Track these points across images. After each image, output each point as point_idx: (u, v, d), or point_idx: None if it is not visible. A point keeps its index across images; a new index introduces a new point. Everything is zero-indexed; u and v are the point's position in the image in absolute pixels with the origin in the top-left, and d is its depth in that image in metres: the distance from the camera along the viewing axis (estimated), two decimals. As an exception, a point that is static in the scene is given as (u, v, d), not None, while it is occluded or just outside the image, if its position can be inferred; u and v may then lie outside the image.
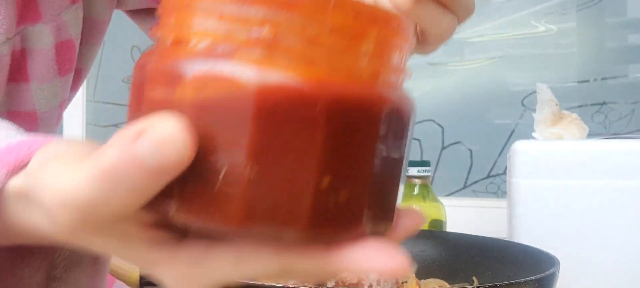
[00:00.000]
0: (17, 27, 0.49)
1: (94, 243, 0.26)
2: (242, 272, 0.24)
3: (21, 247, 0.29)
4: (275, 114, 0.19)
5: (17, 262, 0.30)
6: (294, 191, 0.20)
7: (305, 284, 0.47)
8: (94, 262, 0.34)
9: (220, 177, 0.20)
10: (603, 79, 1.16)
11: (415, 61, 1.31)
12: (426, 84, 1.32)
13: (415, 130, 1.24)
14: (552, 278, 0.45)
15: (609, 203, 0.71)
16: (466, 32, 1.28)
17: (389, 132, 0.22)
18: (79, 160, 0.23)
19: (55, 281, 0.33)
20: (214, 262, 0.24)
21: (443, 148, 1.28)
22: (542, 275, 0.44)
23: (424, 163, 0.84)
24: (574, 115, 0.82)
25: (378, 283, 0.46)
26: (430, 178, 0.86)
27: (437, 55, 1.30)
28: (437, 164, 1.28)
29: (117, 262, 0.51)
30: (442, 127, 1.29)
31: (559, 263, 0.47)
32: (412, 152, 1.04)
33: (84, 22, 0.56)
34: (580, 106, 1.17)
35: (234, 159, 0.19)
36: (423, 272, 0.61)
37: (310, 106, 0.19)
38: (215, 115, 0.20)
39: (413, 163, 0.84)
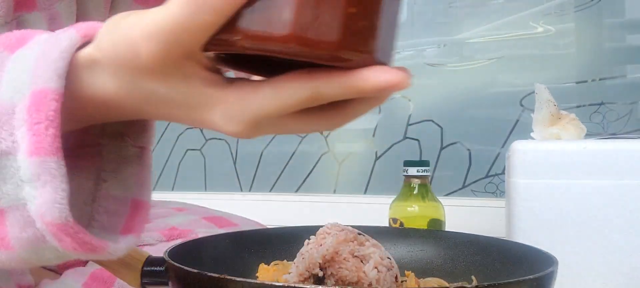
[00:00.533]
0: (14, 13, 0.50)
1: (162, 87, 0.30)
2: (280, 101, 0.29)
3: (72, 154, 0.32)
4: None
5: (69, 170, 0.32)
6: (329, 18, 0.26)
7: (306, 284, 0.48)
8: (138, 158, 0.38)
9: (276, 6, 0.26)
10: (601, 79, 1.17)
11: (414, 61, 1.31)
12: (425, 84, 1.33)
13: (415, 131, 1.25)
14: (550, 277, 0.45)
15: (606, 203, 0.71)
16: (465, 33, 1.28)
17: None
18: (146, 12, 0.29)
19: (105, 181, 0.37)
20: (256, 97, 0.29)
21: (442, 148, 1.28)
22: (541, 274, 0.44)
23: (423, 163, 0.84)
24: (572, 115, 0.83)
25: (378, 282, 0.47)
26: (429, 178, 0.86)
27: (437, 55, 1.30)
28: (436, 164, 1.28)
29: (118, 261, 0.51)
30: (441, 127, 1.29)
31: (557, 263, 0.48)
32: (411, 152, 1.05)
33: (77, 19, 0.57)
34: (578, 106, 1.17)
35: None
36: (422, 271, 0.61)
37: None
38: None
39: (412, 163, 0.84)
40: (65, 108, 0.31)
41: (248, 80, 0.31)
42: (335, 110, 0.32)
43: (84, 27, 0.32)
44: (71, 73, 0.31)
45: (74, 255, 0.34)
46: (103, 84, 0.32)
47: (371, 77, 0.28)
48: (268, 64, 0.31)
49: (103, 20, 0.32)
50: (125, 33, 0.30)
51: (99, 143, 0.38)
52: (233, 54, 0.31)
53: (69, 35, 0.32)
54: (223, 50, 0.29)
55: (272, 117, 0.30)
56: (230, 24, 0.27)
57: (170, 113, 0.32)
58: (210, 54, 0.30)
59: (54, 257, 0.34)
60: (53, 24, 0.54)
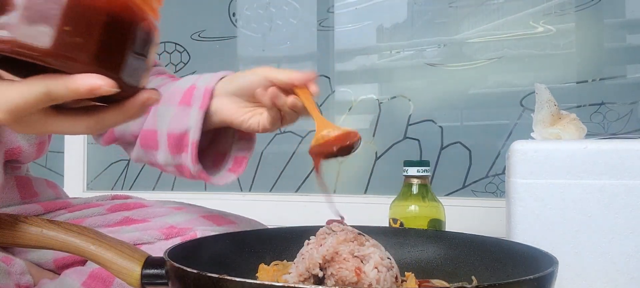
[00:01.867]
0: None
1: None
2: (25, 94, 0.38)
3: None
4: None
5: None
6: (45, 26, 0.35)
7: (306, 284, 0.47)
8: None
9: (6, 12, 0.35)
10: (601, 79, 1.17)
11: (414, 61, 1.31)
12: (425, 84, 1.32)
13: (415, 131, 1.24)
14: (550, 277, 0.45)
15: (607, 202, 0.71)
16: (465, 33, 1.28)
17: (115, 16, 0.38)
18: None
19: None
20: (10, 90, 0.38)
21: (442, 148, 1.28)
22: (541, 274, 0.44)
23: (423, 163, 0.84)
24: (573, 115, 0.83)
25: (377, 282, 0.47)
26: (430, 178, 0.86)
27: (437, 55, 1.30)
28: (436, 164, 1.28)
29: (118, 261, 0.51)
30: (441, 127, 1.29)
31: (557, 263, 0.47)
32: (411, 152, 1.04)
33: None
34: (578, 106, 1.17)
35: (16, 3, 0.35)
36: (422, 271, 0.61)
37: None
38: None
39: (412, 163, 0.84)
40: None
41: (11, 79, 0.39)
42: (90, 115, 0.41)
43: None
44: None
45: None
46: None
47: (80, 78, 0.37)
48: (29, 70, 0.38)
49: None
50: None
51: None
52: (1, 59, 0.39)
53: None
54: None
55: (25, 110, 0.39)
56: None
57: None
58: None
59: None
60: None
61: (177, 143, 0.69)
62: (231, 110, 0.67)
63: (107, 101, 0.41)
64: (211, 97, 0.67)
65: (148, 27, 0.40)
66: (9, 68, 0.40)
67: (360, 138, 0.55)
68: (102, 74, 0.37)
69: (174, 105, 0.69)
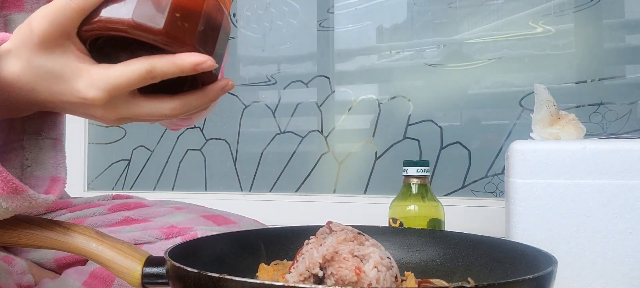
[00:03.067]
0: (0, 11, 0.56)
1: (47, 60, 0.42)
2: (128, 73, 0.42)
3: (2, 150, 0.45)
4: None
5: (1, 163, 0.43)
6: (160, 9, 0.41)
7: (306, 283, 0.48)
8: (53, 147, 0.51)
9: (124, 2, 0.41)
10: (600, 79, 1.17)
11: (414, 61, 1.31)
12: (425, 84, 1.33)
13: (414, 131, 1.25)
14: (549, 277, 0.45)
15: (606, 202, 0.72)
16: (465, 33, 1.28)
17: (211, 9, 0.44)
18: (43, 6, 0.42)
19: (28, 167, 0.49)
20: (112, 70, 0.42)
21: (441, 148, 1.29)
22: (540, 273, 0.44)
23: (422, 163, 0.84)
24: (572, 115, 0.83)
25: (377, 282, 0.47)
26: (429, 178, 0.86)
27: (437, 55, 1.30)
28: (435, 164, 1.28)
29: (119, 260, 0.51)
30: (440, 127, 1.29)
31: (556, 262, 0.48)
32: (411, 152, 1.05)
33: None
34: (577, 106, 1.17)
35: None
36: (422, 271, 0.61)
37: None
38: None
39: (412, 163, 0.84)
40: None
41: (110, 63, 0.43)
42: (175, 98, 0.45)
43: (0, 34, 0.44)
44: None
45: (3, 202, 0.44)
46: (11, 67, 0.43)
47: (186, 56, 0.42)
48: (127, 55, 0.43)
49: None
50: (28, 20, 0.42)
51: (22, 139, 0.49)
52: (100, 45, 0.44)
53: None
54: (90, 34, 0.43)
55: (123, 88, 0.42)
56: (95, 13, 0.41)
57: (52, 85, 0.43)
58: (87, 45, 0.44)
59: None
60: None
61: None
62: None
63: (177, 91, 0.46)
64: None
65: (228, 23, 0.46)
66: (104, 57, 0.45)
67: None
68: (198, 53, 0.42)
69: None
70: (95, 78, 0.42)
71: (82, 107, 0.44)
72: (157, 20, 0.41)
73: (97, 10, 0.41)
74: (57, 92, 0.44)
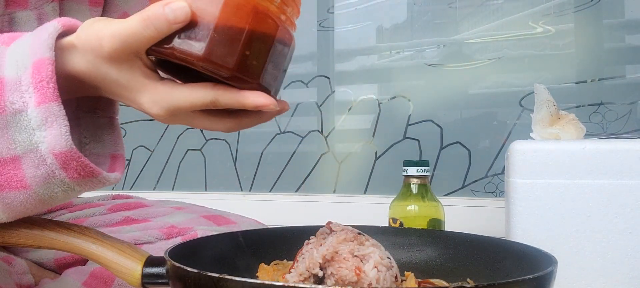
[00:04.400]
0: (6, 9, 0.56)
1: (114, 71, 0.43)
2: (191, 98, 0.43)
3: None
4: (234, 7, 0.41)
5: None
6: (232, 49, 0.41)
7: (306, 283, 0.48)
8: (109, 125, 0.51)
9: (199, 32, 0.41)
10: (600, 79, 1.17)
11: (414, 61, 1.31)
12: (425, 84, 1.33)
13: (414, 131, 1.25)
14: (549, 277, 0.45)
15: (606, 202, 0.72)
16: (464, 33, 1.28)
17: (279, 42, 0.44)
18: (114, 20, 0.43)
19: (87, 144, 0.50)
20: (176, 92, 0.43)
21: (441, 148, 1.29)
22: (540, 274, 0.44)
23: (422, 163, 0.84)
24: (572, 115, 0.83)
25: (377, 282, 0.47)
26: (429, 178, 0.86)
27: (437, 55, 1.30)
28: (435, 164, 1.28)
29: (119, 260, 0.51)
30: (440, 127, 1.29)
31: (556, 262, 0.48)
32: (411, 152, 1.05)
33: None
34: (577, 106, 1.17)
35: (209, 26, 0.41)
36: (422, 271, 0.61)
37: (244, 7, 0.42)
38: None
39: (412, 163, 0.84)
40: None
41: (174, 81, 0.45)
42: (229, 118, 0.46)
43: (63, 20, 0.44)
44: (56, 50, 0.43)
45: (77, 186, 0.44)
46: (77, 63, 0.44)
47: (250, 96, 0.43)
48: (189, 74, 0.44)
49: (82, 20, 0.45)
50: (97, 30, 0.43)
51: (77, 116, 0.50)
52: (165, 60, 0.44)
53: (53, 24, 0.44)
54: (159, 56, 0.43)
55: (185, 110, 0.44)
56: (167, 40, 0.42)
57: (116, 91, 0.45)
58: (152, 58, 0.44)
59: (61, 190, 0.44)
60: (41, 23, 0.60)
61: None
62: None
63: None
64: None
65: (294, 46, 0.47)
66: (167, 70, 0.46)
67: None
68: (262, 91, 0.44)
69: None
70: (159, 96, 0.44)
71: (137, 106, 0.46)
72: (228, 60, 0.41)
73: (170, 36, 0.42)
74: (121, 96, 0.45)
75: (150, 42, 0.42)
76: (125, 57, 0.43)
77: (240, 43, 0.41)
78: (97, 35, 0.42)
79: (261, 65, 0.43)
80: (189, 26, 0.41)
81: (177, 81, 0.45)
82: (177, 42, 0.42)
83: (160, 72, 0.46)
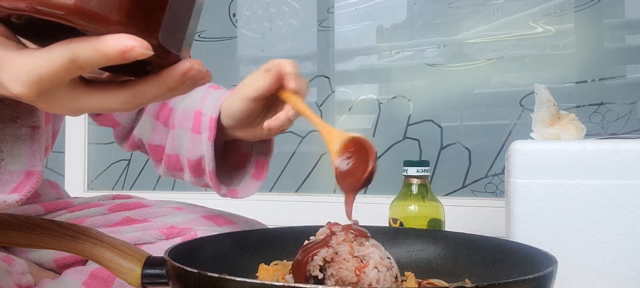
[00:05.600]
0: None
1: None
2: (49, 61, 0.33)
3: None
4: None
5: None
6: None
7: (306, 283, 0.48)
8: (30, 133, 0.45)
9: None
10: (601, 79, 1.17)
11: (414, 61, 1.31)
12: (425, 84, 1.33)
13: (414, 131, 1.24)
14: (550, 277, 0.45)
15: (606, 202, 0.72)
16: (465, 33, 1.28)
17: None
18: None
19: (2, 160, 0.44)
20: (33, 59, 0.34)
21: (442, 148, 1.29)
22: (540, 274, 0.44)
23: (422, 163, 0.84)
24: (572, 115, 0.83)
25: (377, 282, 0.47)
26: (429, 178, 0.86)
27: (437, 55, 1.30)
28: (436, 164, 1.28)
29: (119, 261, 0.51)
30: (440, 127, 1.29)
31: (556, 262, 0.48)
32: (411, 152, 1.04)
33: None
34: (578, 106, 1.17)
35: None
36: (422, 271, 0.61)
37: None
38: None
39: (412, 163, 0.84)
40: None
41: (34, 48, 0.35)
42: (124, 89, 0.36)
43: None
44: None
45: None
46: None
47: (108, 40, 0.32)
48: (55, 38, 0.35)
49: None
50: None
51: None
52: (25, 22, 0.35)
53: None
54: (12, 11, 0.34)
55: (49, 81, 0.34)
56: None
57: None
58: (7, 19, 0.35)
59: None
60: None
61: (197, 167, 0.71)
62: (240, 131, 0.68)
63: (142, 73, 0.37)
64: (216, 126, 0.68)
65: None
66: (32, 36, 0.37)
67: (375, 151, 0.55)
68: (135, 35, 0.33)
69: (188, 131, 0.71)
70: (18, 69, 0.35)
71: (9, 95, 0.37)
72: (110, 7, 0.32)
73: None
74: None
75: None
76: None
77: None
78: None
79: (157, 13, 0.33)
80: None
81: (38, 48, 0.36)
82: None
83: (23, 40, 0.37)
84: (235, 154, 0.76)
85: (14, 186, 0.44)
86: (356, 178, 0.54)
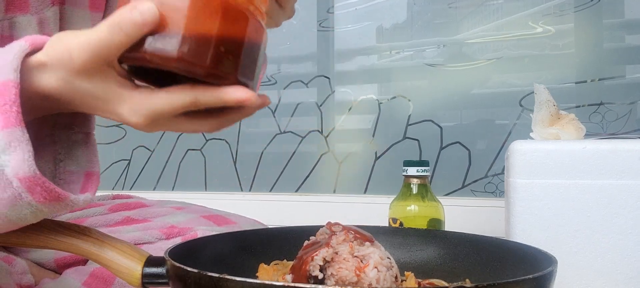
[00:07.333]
0: (5, 14, 0.56)
1: (87, 84, 0.42)
2: (171, 102, 0.42)
3: (33, 145, 0.42)
4: (202, 3, 0.40)
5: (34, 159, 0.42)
6: (205, 46, 0.40)
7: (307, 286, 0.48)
8: (85, 141, 0.50)
9: (170, 32, 0.40)
10: (600, 79, 1.17)
11: (414, 61, 1.31)
12: (425, 84, 1.33)
13: (414, 131, 1.25)
14: (549, 277, 0.45)
15: (605, 202, 0.72)
16: (464, 33, 1.28)
17: (252, 33, 0.43)
18: (82, 31, 0.41)
19: (62, 161, 0.49)
20: (154, 98, 0.42)
21: (441, 148, 1.29)
22: (540, 273, 0.44)
23: (422, 163, 0.84)
24: (572, 115, 0.83)
25: (377, 282, 0.47)
26: (429, 178, 0.86)
27: (437, 55, 1.30)
28: (435, 164, 1.28)
29: (119, 260, 0.51)
30: (440, 127, 1.29)
31: (556, 262, 0.48)
32: (411, 152, 1.05)
33: (60, 25, 0.61)
34: (577, 106, 1.17)
35: (179, 25, 0.40)
36: (422, 271, 0.61)
37: (212, 2, 0.41)
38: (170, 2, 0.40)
39: (412, 163, 0.84)
40: (21, 98, 0.41)
41: (150, 87, 0.43)
42: (212, 117, 0.45)
43: (31, 38, 0.43)
44: (24, 71, 0.42)
45: (45, 208, 0.43)
46: (48, 80, 0.42)
47: (231, 92, 0.42)
48: (165, 78, 0.43)
49: (81, 28, 0.43)
50: (65, 44, 0.41)
51: (53, 133, 0.49)
52: (139, 66, 0.43)
53: (19, 43, 0.42)
54: (132, 63, 0.42)
55: (165, 116, 0.42)
56: (138, 45, 0.40)
57: (92, 104, 0.43)
58: (125, 65, 0.43)
59: (30, 212, 0.44)
60: (42, 27, 0.60)
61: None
62: None
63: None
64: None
65: (265, 36, 0.45)
66: (142, 77, 0.45)
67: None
68: (242, 86, 0.42)
69: None
70: (138, 105, 0.42)
71: (116, 117, 0.44)
72: (203, 58, 0.40)
73: (141, 40, 0.40)
74: (97, 110, 0.44)
75: (121, 48, 0.40)
76: (97, 67, 0.41)
77: (213, 38, 0.40)
78: (67, 49, 0.41)
79: (237, 59, 0.42)
80: (160, 28, 0.40)
81: (153, 87, 0.44)
82: (148, 46, 0.40)
83: (135, 80, 0.44)
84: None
85: (80, 186, 0.48)
86: None
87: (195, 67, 0.40)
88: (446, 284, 0.58)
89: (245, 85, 0.43)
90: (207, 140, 1.54)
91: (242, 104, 0.42)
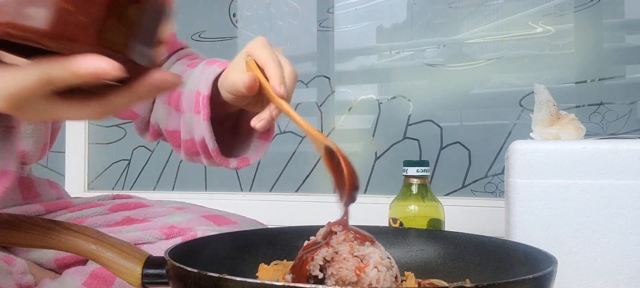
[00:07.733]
0: None
1: None
2: (23, 79, 0.35)
3: None
4: None
5: None
6: (42, 10, 0.31)
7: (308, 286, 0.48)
8: (5, 133, 0.44)
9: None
10: (600, 79, 1.17)
11: (414, 61, 1.31)
12: (425, 84, 1.33)
13: (414, 131, 1.24)
14: (549, 277, 0.45)
15: (605, 202, 0.72)
16: (464, 33, 1.28)
17: None
18: None
19: None
20: (9, 76, 0.35)
21: (441, 148, 1.29)
22: (540, 273, 0.44)
23: (422, 163, 0.84)
24: (572, 115, 0.83)
25: (377, 282, 0.47)
26: (429, 178, 0.86)
27: (437, 55, 1.30)
28: (435, 164, 1.28)
29: (119, 260, 0.51)
30: (440, 127, 1.29)
31: (556, 262, 0.48)
32: (411, 152, 1.04)
33: None
34: (577, 106, 1.17)
35: None
36: (422, 271, 0.61)
37: None
38: None
39: (412, 163, 0.84)
40: None
41: (10, 64, 0.37)
42: (96, 99, 0.38)
43: None
44: None
45: None
46: None
47: (80, 62, 0.33)
48: (33, 51, 0.35)
49: None
50: None
51: None
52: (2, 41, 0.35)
53: None
54: None
55: (25, 97, 0.36)
56: None
57: None
58: None
59: None
60: None
61: (205, 148, 0.71)
62: (240, 104, 0.66)
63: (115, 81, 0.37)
64: (209, 104, 0.67)
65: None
66: (11, 50, 0.37)
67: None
68: (106, 55, 0.33)
69: (192, 113, 0.71)
70: None
71: None
72: (39, 18, 0.32)
73: None
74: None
75: None
76: None
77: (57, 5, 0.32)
78: None
79: (92, 19, 0.33)
80: None
81: (18, 60, 0.37)
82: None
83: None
84: (244, 121, 0.74)
85: None
86: (340, 194, 0.53)
87: (29, 31, 0.32)
88: (446, 284, 0.58)
89: (112, 55, 0.34)
90: (207, 140, 1.54)
91: (99, 77, 0.34)
